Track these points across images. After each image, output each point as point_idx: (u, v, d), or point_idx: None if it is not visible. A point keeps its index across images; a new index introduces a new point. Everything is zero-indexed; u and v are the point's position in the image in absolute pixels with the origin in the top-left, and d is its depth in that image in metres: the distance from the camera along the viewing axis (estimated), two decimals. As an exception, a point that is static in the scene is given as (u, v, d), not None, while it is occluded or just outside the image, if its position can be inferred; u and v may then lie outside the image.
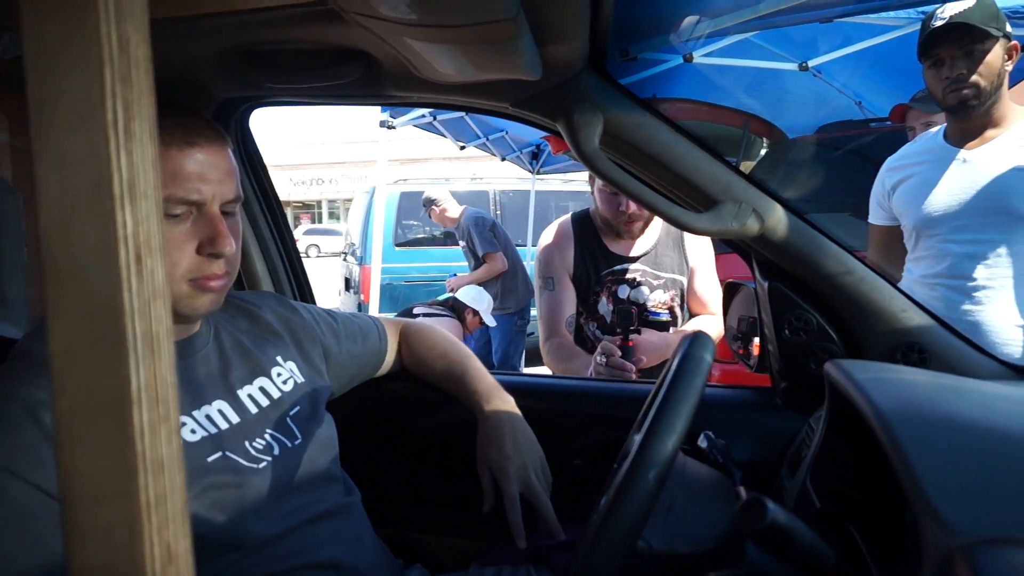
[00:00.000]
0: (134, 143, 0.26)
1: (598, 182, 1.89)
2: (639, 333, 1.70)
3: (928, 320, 1.04)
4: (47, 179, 0.26)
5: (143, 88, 0.26)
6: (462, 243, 4.81)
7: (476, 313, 4.11)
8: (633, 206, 1.83)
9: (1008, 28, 1.65)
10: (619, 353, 1.61)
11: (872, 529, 0.75)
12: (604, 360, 1.62)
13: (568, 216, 2.02)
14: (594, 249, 1.93)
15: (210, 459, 0.86)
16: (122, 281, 0.26)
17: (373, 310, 4.28)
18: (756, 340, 1.26)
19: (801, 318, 1.10)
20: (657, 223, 1.95)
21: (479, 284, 4.71)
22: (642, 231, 1.90)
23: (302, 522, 0.93)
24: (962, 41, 1.63)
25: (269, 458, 0.92)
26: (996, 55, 1.63)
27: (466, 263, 4.91)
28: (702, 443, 1.00)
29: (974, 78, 1.64)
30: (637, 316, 1.84)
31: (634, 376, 1.61)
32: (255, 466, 0.90)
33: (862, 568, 0.70)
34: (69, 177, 0.26)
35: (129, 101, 0.26)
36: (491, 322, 4.24)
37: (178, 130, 0.82)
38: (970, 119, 1.72)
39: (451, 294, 4.65)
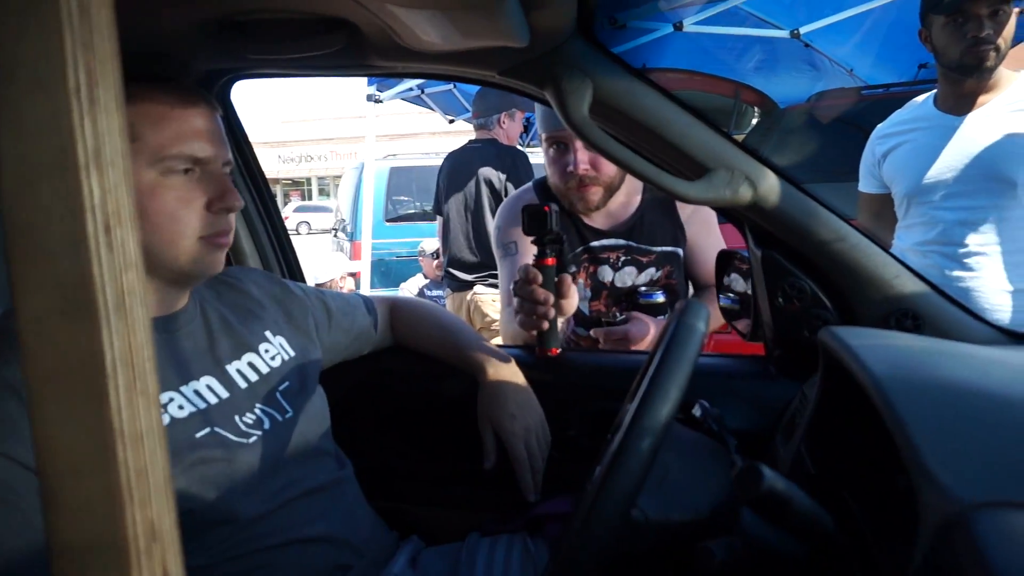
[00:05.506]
0: (99, 110, 0.25)
1: (548, 148, 1.56)
2: (627, 322, 1.51)
3: (922, 286, 1.04)
4: (7, 149, 0.25)
5: (107, 54, 0.25)
6: None
7: None
8: (583, 165, 1.48)
9: None
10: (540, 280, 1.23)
11: (867, 495, 0.75)
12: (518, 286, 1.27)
13: (529, 183, 1.72)
14: (565, 222, 1.57)
15: (199, 435, 0.85)
16: (91, 253, 0.25)
17: (364, 286, 4.25)
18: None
19: (795, 286, 1.09)
20: (635, 188, 1.62)
21: None
22: (604, 201, 1.55)
23: (294, 497, 0.93)
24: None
25: (259, 433, 0.92)
26: (1012, 19, 1.62)
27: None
28: (696, 412, 0.99)
29: (999, 40, 1.62)
30: (627, 301, 1.60)
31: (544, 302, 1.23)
32: (245, 441, 0.89)
33: (857, 534, 0.70)
34: (30, 146, 0.25)
35: (92, 67, 0.25)
36: None
37: (175, 92, 0.85)
38: (965, 84, 1.70)
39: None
